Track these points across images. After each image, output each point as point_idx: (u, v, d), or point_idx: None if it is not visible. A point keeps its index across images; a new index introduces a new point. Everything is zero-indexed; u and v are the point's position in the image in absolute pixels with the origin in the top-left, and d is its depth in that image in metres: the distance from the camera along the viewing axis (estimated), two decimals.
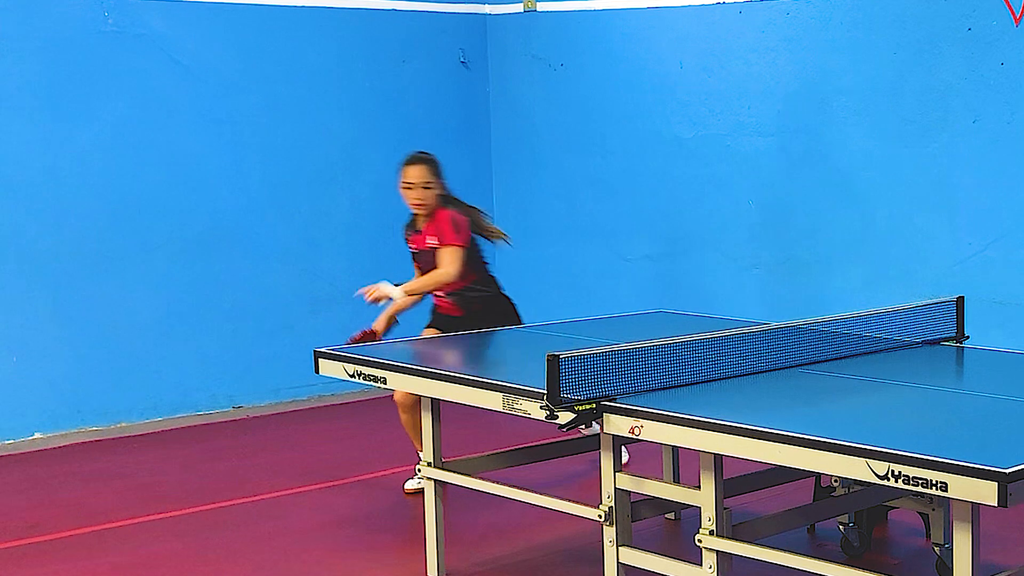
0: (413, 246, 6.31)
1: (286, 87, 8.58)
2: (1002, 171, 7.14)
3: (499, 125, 9.53)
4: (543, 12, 9.17)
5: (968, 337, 5.29)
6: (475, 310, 6.28)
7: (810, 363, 4.80)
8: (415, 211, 6.25)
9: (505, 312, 6.36)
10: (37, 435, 7.75)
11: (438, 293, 6.29)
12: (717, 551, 4.16)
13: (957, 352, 5.13)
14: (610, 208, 8.95)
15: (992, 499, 3.24)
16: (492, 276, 6.44)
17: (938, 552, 5.04)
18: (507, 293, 6.45)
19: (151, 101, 8.05)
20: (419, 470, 5.22)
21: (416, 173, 6.19)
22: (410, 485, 6.42)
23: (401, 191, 6.24)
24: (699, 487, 4.22)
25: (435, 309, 6.41)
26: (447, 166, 9.46)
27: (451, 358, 5.56)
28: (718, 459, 4.13)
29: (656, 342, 4.57)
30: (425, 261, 6.26)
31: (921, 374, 4.71)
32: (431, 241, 6.20)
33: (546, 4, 9.14)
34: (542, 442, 5.61)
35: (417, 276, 6.32)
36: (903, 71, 7.46)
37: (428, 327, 6.35)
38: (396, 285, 6.15)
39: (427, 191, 6.18)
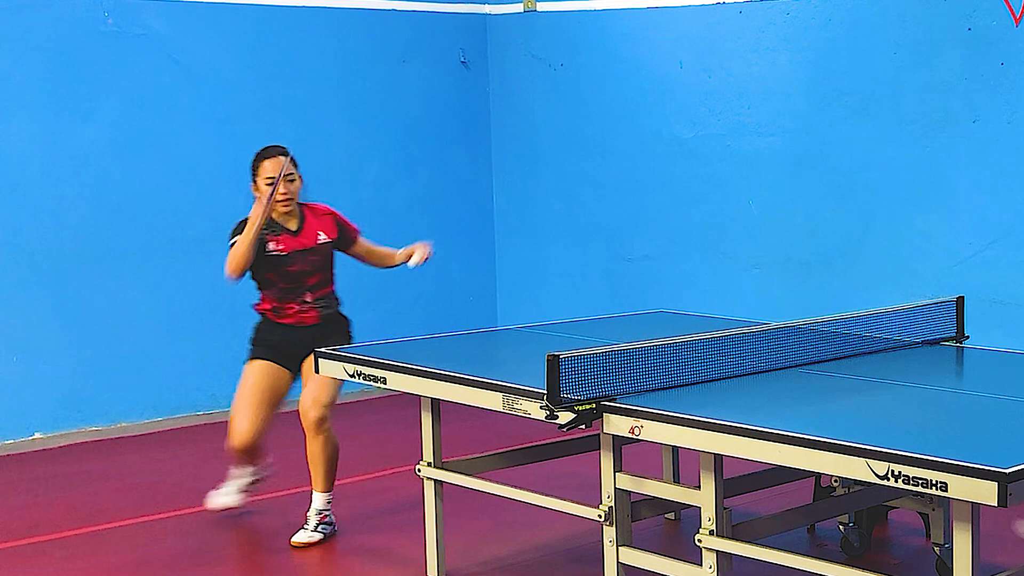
0: (281, 247, 5.71)
1: (286, 87, 8.57)
2: (1002, 171, 7.14)
3: (499, 125, 9.53)
4: (543, 12, 9.17)
5: (968, 337, 5.29)
6: (328, 319, 5.88)
7: (810, 363, 4.80)
8: (282, 209, 5.70)
9: (345, 329, 5.97)
10: (37, 435, 7.75)
11: (306, 301, 5.80)
12: (717, 551, 4.16)
13: (957, 352, 5.14)
14: (610, 208, 8.95)
15: (992, 499, 3.25)
16: None
17: (938, 552, 5.04)
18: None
19: (151, 101, 8.05)
20: (418, 470, 5.21)
21: (283, 164, 5.69)
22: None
23: (263, 188, 5.67)
24: (699, 487, 4.22)
25: (275, 325, 5.81)
26: (447, 166, 9.55)
27: (451, 358, 5.55)
28: (718, 459, 4.13)
29: (656, 342, 4.57)
30: (307, 261, 5.77)
31: (921, 374, 4.71)
32: (322, 236, 5.81)
33: (546, 4, 9.14)
34: (542, 442, 5.61)
35: (282, 282, 5.75)
36: (903, 71, 7.46)
37: (256, 359, 5.81)
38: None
39: (293, 184, 5.72)
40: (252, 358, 5.86)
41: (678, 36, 8.44)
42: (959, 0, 7.18)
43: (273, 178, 5.66)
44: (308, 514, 5.79)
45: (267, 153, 5.74)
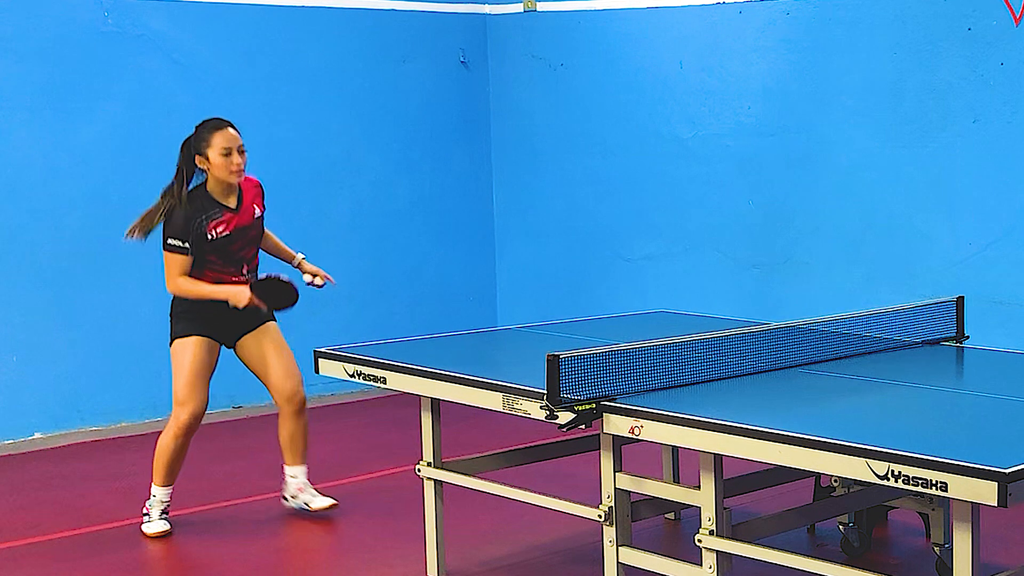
0: (223, 229, 5.71)
1: (286, 87, 8.58)
2: (1002, 171, 7.14)
3: (499, 125, 9.53)
4: (543, 12, 9.17)
5: (968, 337, 5.29)
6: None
7: (810, 363, 4.80)
8: (235, 180, 5.71)
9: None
10: (37, 435, 7.75)
11: (243, 274, 5.85)
12: (717, 551, 4.16)
13: (957, 352, 5.14)
14: (610, 208, 8.95)
15: (992, 499, 3.25)
16: None
17: (938, 552, 5.04)
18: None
19: (151, 101, 8.05)
20: (418, 470, 5.22)
21: (237, 136, 5.71)
22: (145, 529, 5.92)
23: (216, 160, 5.67)
24: (699, 487, 4.22)
25: (210, 300, 5.74)
26: (447, 166, 9.55)
27: (451, 358, 5.55)
28: (718, 459, 4.13)
29: (656, 342, 4.57)
30: (247, 237, 5.83)
31: (921, 374, 4.71)
32: (257, 211, 5.87)
33: (546, 4, 9.14)
34: (542, 442, 5.61)
35: (222, 260, 5.76)
36: (903, 71, 7.46)
37: (194, 335, 5.79)
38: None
39: (243, 156, 5.74)
40: (189, 334, 5.82)
41: (678, 36, 8.44)
42: (959, 0, 7.18)
43: (230, 149, 5.67)
44: (302, 487, 6.05)
45: (216, 125, 5.74)
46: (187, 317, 5.82)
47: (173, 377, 5.83)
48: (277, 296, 5.77)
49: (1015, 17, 6.97)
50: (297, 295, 5.80)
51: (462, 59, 9.38)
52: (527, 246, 9.48)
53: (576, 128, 9.08)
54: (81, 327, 7.88)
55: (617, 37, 8.77)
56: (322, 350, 5.37)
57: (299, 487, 6.09)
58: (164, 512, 5.92)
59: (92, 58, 7.83)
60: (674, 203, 8.60)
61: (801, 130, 7.96)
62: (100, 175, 7.90)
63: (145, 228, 5.77)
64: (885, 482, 3.45)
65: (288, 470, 6.12)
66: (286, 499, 6.17)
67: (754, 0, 8.05)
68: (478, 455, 5.39)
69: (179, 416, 5.80)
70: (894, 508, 5.28)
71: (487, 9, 9.45)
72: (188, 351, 5.79)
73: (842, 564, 4.07)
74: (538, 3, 9.18)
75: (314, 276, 6.05)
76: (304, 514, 6.14)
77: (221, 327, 5.87)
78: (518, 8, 9.30)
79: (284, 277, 5.79)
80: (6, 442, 7.63)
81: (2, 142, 7.58)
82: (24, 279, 7.68)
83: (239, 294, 5.69)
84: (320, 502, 6.09)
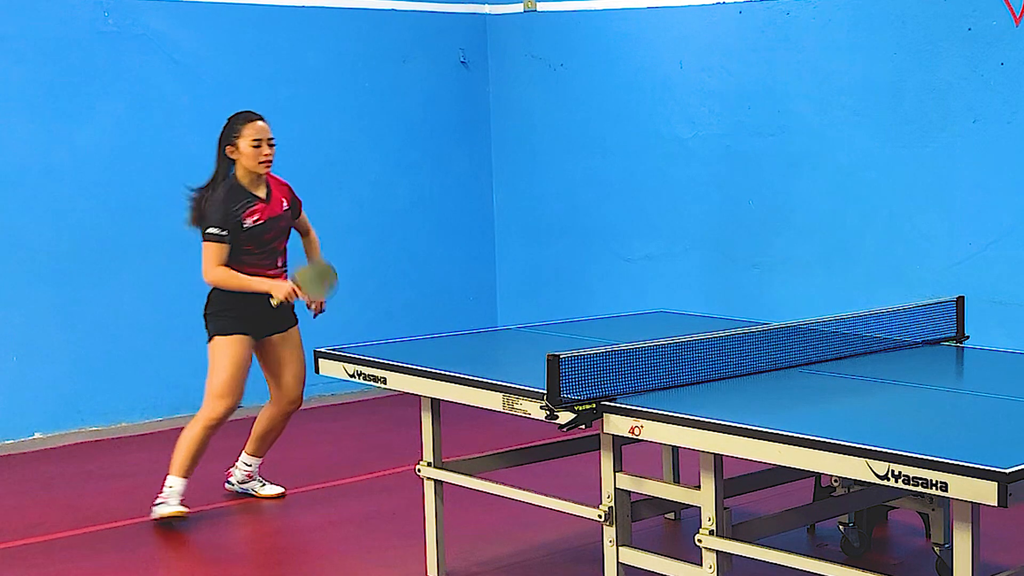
0: (257, 217, 5.87)
1: (286, 87, 8.57)
2: (1002, 171, 7.14)
3: (499, 125, 9.53)
4: (543, 12, 9.17)
5: (968, 337, 5.29)
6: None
7: (810, 363, 4.80)
8: (263, 170, 5.90)
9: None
10: (37, 435, 7.75)
11: (277, 266, 6.02)
12: (717, 551, 4.16)
13: (957, 352, 5.14)
14: (610, 208, 8.95)
15: (992, 499, 3.25)
16: None
17: (938, 552, 5.04)
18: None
19: (151, 101, 8.05)
20: (418, 470, 5.22)
21: (267, 128, 5.92)
22: (161, 511, 5.97)
23: (246, 150, 5.87)
24: (699, 487, 4.22)
25: (251, 296, 5.87)
26: (447, 166, 9.55)
27: (451, 358, 5.55)
28: (718, 459, 4.14)
29: (656, 342, 4.57)
30: (277, 228, 5.97)
31: (921, 374, 4.71)
32: (284, 204, 6.01)
33: (546, 4, 9.14)
34: (542, 442, 5.61)
35: (258, 251, 5.91)
36: (903, 71, 7.46)
37: (235, 333, 5.93)
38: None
39: (272, 148, 5.94)
40: (230, 332, 5.95)
41: (678, 36, 8.44)
42: (959, 0, 7.18)
43: (260, 140, 5.88)
44: (252, 475, 6.40)
45: (248, 117, 5.95)
46: (229, 315, 5.95)
47: (210, 372, 5.96)
48: (320, 284, 5.95)
49: (1015, 17, 6.97)
50: (336, 276, 5.97)
51: (462, 59, 9.38)
52: (527, 246, 9.48)
53: (576, 128, 9.07)
54: (81, 327, 7.88)
55: (617, 37, 8.77)
56: (322, 350, 5.37)
57: (249, 474, 6.43)
58: (183, 497, 6.03)
59: (92, 58, 7.83)
60: (674, 203, 8.60)
61: (801, 130, 7.95)
62: (100, 175, 7.90)
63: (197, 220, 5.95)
64: (885, 482, 3.46)
65: (248, 458, 6.45)
66: (231, 484, 6.47)
67: (754, 0, 8.05)
68: (478, 455, 5.39)
69: (215, 408, 5.93)
70: (894, 508, 5.28)
71: (487, 9, 9.45)
72: (231, 348, 5.92)
73: (842, 564, 4.07)
74: (538, 3, 9.18)
75: (313, 303, 6.12)
76: (304, 514, 6.14)
77: (257, 325, 6.02)
78: (518, 8, 9.30)
79: (322, 260, 6.02)
80: (6, 442, 7.63)
81: (2, 142, 7.58)
82: (24, 279, 7.68)
83: (281, 287, 5.83)
84: (269, 490, 6.43)
